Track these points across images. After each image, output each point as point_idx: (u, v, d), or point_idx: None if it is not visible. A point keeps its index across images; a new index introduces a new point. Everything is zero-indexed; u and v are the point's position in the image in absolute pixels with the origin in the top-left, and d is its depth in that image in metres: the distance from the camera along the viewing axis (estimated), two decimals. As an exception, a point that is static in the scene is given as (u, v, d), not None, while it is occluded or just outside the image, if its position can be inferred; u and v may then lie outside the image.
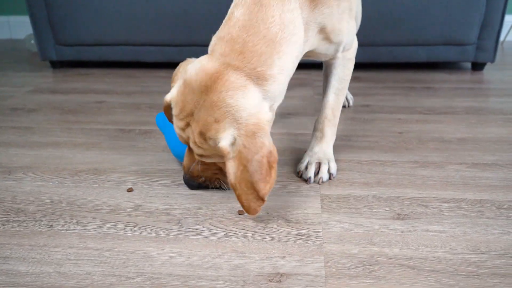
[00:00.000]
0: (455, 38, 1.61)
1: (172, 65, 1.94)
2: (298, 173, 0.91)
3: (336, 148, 1.04)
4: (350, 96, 1.35)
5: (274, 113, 0.76)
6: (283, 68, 0.71)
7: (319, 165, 0.89)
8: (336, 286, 0.61)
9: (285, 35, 0.70)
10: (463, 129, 1.14)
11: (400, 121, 1.21)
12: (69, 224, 0.76)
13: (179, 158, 0.92)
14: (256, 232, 0.73)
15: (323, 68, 0.93)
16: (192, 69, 0.71)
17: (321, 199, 0.82)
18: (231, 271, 0.64)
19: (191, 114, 0.71)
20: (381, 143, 1.07)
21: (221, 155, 0.72)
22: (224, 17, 1.65)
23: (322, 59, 0.86)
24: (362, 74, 1.72)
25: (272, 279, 0.62)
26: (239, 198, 0.69)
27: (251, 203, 0.68)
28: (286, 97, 1.45)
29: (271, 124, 0.72)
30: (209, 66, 0.69)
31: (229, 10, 0.73)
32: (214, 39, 0.72)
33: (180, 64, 0.80)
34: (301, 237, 0.72)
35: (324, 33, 0.78)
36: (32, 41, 2.20)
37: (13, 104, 1.43)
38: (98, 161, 1.00)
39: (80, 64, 1.98)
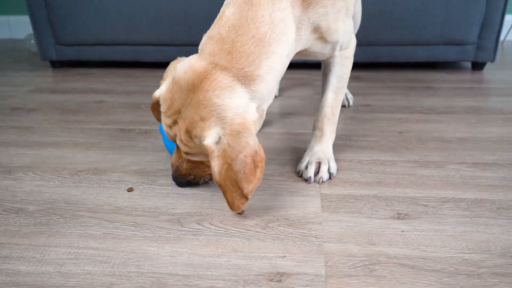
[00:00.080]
0: (455, 37, 1.61)
1: (172, 65, 1.94)
2: (298, 172, 0.91)
3: (336, 148, 1.04)
4: (350, 96, 1.35)
5: (264, 113, 0.77)
6: (272, 68, 0.72)
7: (319, 164, 0.89)
8: (336, 285, 0.61)
9: (275, 34, 0.70)
10: (463, 129, 1.14)
11: (400, 121, 1.21)
12: (69, 224, 0.76)
13: None
14: (257, 231, 0.73)
15: (322, 67, 0.93)
16: (181, 67, 0.72)
17: (321, 199, 0.83)
18: (231, 270, 0.64)
19: (178, 112, 0.72)
20: (381, 143, 1.07)
21: (206, 153, 0.73)
22: (224, 17, 1.65)
23: (320, 58, 0.86)
24: (362, 73, 1.72)
25: (273, 278, 0.63)
26: (224, 194, 0.71)
27: (235, 200, 0.70)
28: (286, 96, 1.45)
29: (257, 124, 0.73)
30: (197, 65, 0.70)
31: (221, 9, 0.73)
32: (205, 38, 0.73)
33: (171, 63, 0.81)
34: (301, 237, 0.72)
35: (319, 32, 0.78)
36: (32, 41, 2.20)
37: (13, 104, 1.43)
38: (98, 161, 1.00)
39: (80, 64, 1.98)
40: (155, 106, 0.82)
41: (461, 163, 0.96)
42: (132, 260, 0.67)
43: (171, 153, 0.94)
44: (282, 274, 0.63)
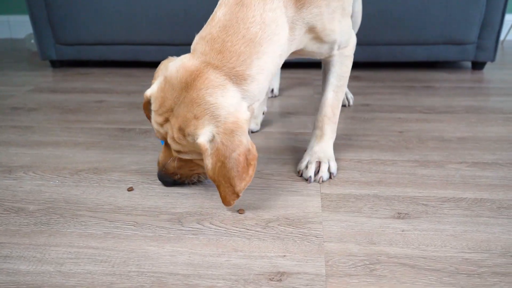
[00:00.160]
0: (455, 37, 1.61)
1: (172, 65, 1.94)
2: (298, 172, 0.91)
3: (336, 147, 1.04)
4: (350, 96, 1.35)
5: (254, 112, 0.77)
6: (263, 68, 0.72)
7: (319, 164, 0.89)
8: (337, 285, 0.61)
9: (266, 34, 0.71)
10: (463, 128, 1.14)
11: (400, 120, 1.21)
12: (69, 223, 0.76)
13: None
14: (257, 231, 0.73)
15: (322, 66, 0.93)
16: (173, 66, 0.73)
17: (321, 198, 0.83)
18: (231, 270, 0.64)
19: (171, 110, 0.72)
20: (381, 142, 1.07)
21: (198, 151, 0.73)
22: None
23: (318, 57, 0.86)
24: (362, 73, 1.72)
25: (273, 278, 0.63)
26: (217, 188, 0.72)
27: (227, 196, 0.72)
28: (286, 96, 1.45)
29: (249, 123, 0.74)
30: (189, 64, 0.71)
31: (214, 10, 0.74)
32: (197, 38, 0.74)
33: (162, 62, 0.81)
34: (302, 236, 0.72)
35: (314, 32, 0.78)
36: (32, 41, 2.20)
37: (13, 104, 1.43)
38: (98, 160, 1.00)
39: (80, 64, 1.98)
40: (147, 105, 0.82)
41: (461, 162, 0.96)
42: (132, 260, 0.67)
43: None
44: (282, 274, 0.63)
